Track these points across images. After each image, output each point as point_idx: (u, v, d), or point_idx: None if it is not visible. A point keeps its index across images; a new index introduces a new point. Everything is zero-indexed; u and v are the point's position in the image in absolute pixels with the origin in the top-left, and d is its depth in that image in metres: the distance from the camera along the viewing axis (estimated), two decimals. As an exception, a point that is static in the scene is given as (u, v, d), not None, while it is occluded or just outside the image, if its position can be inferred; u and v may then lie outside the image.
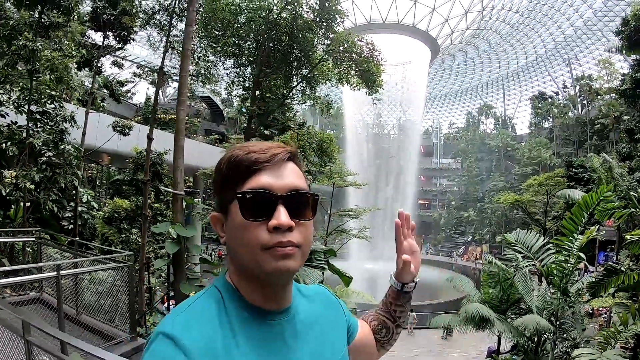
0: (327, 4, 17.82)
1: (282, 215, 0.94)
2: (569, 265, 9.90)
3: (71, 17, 12.69)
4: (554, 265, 10.14)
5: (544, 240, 11.53)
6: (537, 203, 36.45)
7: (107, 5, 18.59)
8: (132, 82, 30.90)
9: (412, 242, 1.33)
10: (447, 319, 15.69)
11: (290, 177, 1.00)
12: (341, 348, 1.18)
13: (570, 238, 9.72)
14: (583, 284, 10.79)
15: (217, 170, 1.03)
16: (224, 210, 1.01)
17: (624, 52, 27.62)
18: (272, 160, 0.98)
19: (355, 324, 1.33)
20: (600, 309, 21.63)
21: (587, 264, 17.29)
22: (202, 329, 0.91)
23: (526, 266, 12.00)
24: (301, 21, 18.57)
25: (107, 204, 23.34)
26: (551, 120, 59.30)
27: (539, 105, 60.45)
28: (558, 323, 10.87)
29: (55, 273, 6.50)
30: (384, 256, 51.09)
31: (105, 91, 28.60)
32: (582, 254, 9.91)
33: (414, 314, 26.04)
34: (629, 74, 29.30)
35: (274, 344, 1.00)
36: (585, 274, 19.63)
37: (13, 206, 12.97)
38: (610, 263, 12.46)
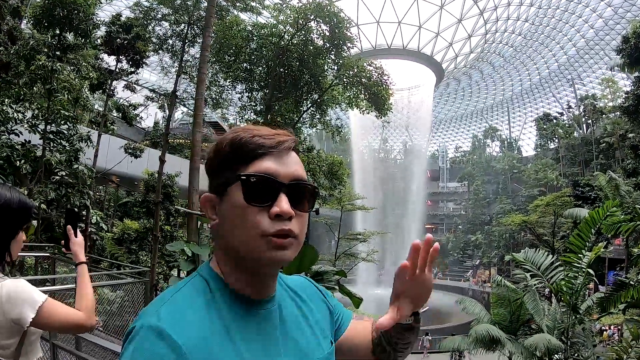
0: (336, 31, 18.26)
1: (284, 203, 0.92)
2: (578, 282, 9.91)
3: (88, 40, 13.12)
4: (563, 282, 10.14)
5: (552, 258, 11.54)
6: (545, 224, 36.24)
7: (121, 29, 19.12)
8: (144, 105, 31.37)
9: (427, 275, 1.05)
10: (457, 341, 15.55)
11: (295, 166, 0.98)
12: (327, 335, 1.15)
13: (579, 255, 9.75)
14: (593, 302, 10.76)
15: (217, 150, 0.99)
16: (219, 192, 0.97)
17: (626, 69, 27.87)
18: (279, 147, 0.96)
19: (346, 317, 1.28)
20: (610, 327, 21.38)
21: (597, 281, 17.18)
22: (191, 322, 0.87)
23: (535, 285, 11.98)
24: (312, 47, 19.01)
25: (116, 226, 23.56)
26: (557, 141, 59.17)
27: (544, 126, 60.41)
28: (569, 342, 10.80)
29: (74, 285, 6.56)
30: (390, 281, 50.64)
31: (116, 114, 29.13)
32: (591, 271, 9.93)
33: (429, 337, 25.64)
34: (631, 91, 29.50)
35: (266, 333, 0.98)
36: (596, 293, 19.41)
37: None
38: (620, 278, 12.42)
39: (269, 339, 0.98)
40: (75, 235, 2.31)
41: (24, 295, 1.85)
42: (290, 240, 0.93)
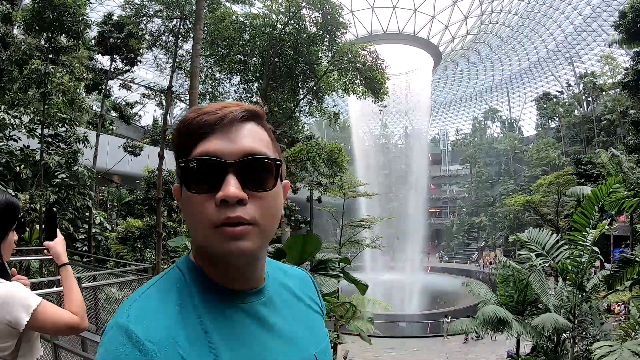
0: (329, 17, 18.09)
1: (230, 187, 0.79)
2: (583, 260, 9.88)
3: (80, 41, 13.02)
4: (568, 261, 10.13)
5: (557, 237, 11.51)
6: (549, 203, 36.21)
7: (113, 29, 19.01)
8: (141, 103, 31.35)
9: None
10: (464, 323, 15.61)
11: (246, 139, 0.84)
12: (323, 338, 1.05)
13: (583, 232, 9.72)
14: (599, 279, 10.74)
15: (172, 138, 0.91)
16: (180, 182, 0.88)
17: (624, 45, 27.57)
18: (223, 121, 0.83)
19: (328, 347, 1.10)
20: (618, 304, 21.40)
21: (602, 259, 17.15)
22: (160, 318, 0.80)
23: (540, 264, 11.97)
24: (305, 35, 18.86)
25: (119, 225, 23.61)
26: (557, 120, 58.95)
27: (544, 105, 60.16)
28: (576, 320, 10.80)
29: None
30: (396, 267, 50.91)
31: (114, 114, 29.06)
32: (596, 248, 9.90)
33: (448, 319, 25.67)
34: (630, 66, 29.24)
35: (248, 328, 0.88)
36: (601, 271, 19.43)
37: (28, 228, 13.19)
38: (625, 255, 12.39)
39: (251, 335, 0.88)
40: (56, 235, 2.23)
41: (18, 298, 1.84)
42: (244, 228, 0.80)
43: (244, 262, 0.87)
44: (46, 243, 2.22)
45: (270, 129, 0.94)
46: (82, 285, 6.59)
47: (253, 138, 0.85)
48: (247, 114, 0.86)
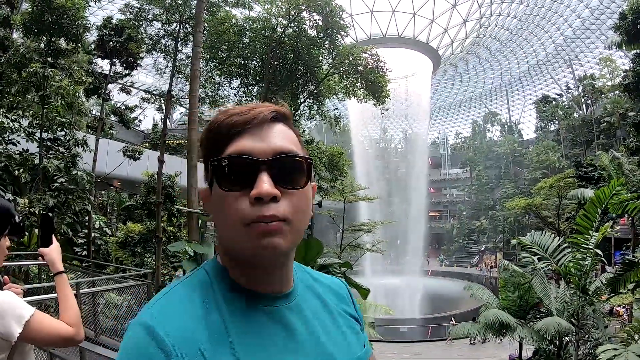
0: (329, 20, 18.06)
1: (264, 184, 0.80)
2: (586, 263, 9.83)
3: (79, 45, 13.00)
4: (571, 264, 10.08)
5: (559, 240, 11.46)
6: (549, 206, 36.14)
7: (112, 32, 18.98)
8: (140, 107, 31.35)
9: None
10: (467, 327, 15.51)
11: (276, 138, 0.86)
12: (357, 349, 1.00)
13: (586, 235, 9.68)
14: (602, 282, 10.67)
15: (201, 139, 0.91)
16: (209, 184, 0.88)
17: (624, 47, 27.51)
18: (253, 121, 0.85)
19: (369, 351, 1.07)
20: (621, 307, 21.31)
21: (604, 261, 17.10)
22: (182, 317, 0.80)
23: (543, 268, 11.92)
24: (305, 38, 18.82)
25: (119, 229, 23.54)
26: (557, 122, 59.09)
27: (544, 108, 60.30)
28: (579, 324, 10.73)
29: (74, 292, 6.55)
30: (397, 270, 50.84)
31: (114, 118, 29.03)
32: (598, 251, 9.86)
33: (453, 321, 25.59)
34: (630, 68, 29.18)
35: (273, 332, 0.86)
36: (603, 273, 19.39)
37: (27, 233, 13.13)
38: (628, 257, 12.33)
39: (274, 339, 0.86)
40: (51, 242, 2.16)
41: (9, 309, 1.76)
42: (277, 225, 0.80)
43: (274, 262, 0.86)
44: (41, 250, 2.15)
45: (294, 128, 0.94)
46: (81, 290, 6.54)
47: (283, 137, 0.87)
48: (276, 114, 0.88)
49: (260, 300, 0.88)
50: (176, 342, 0.76)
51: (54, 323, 1.89)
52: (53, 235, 2.20)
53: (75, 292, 6.67)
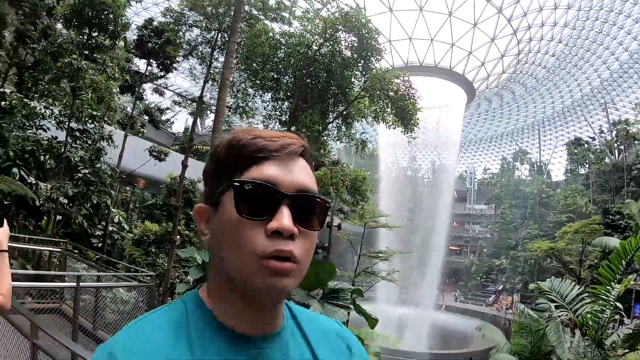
0: (364, 42, 18.06)
1: (285, 218, 0.75)
2: (605, 315, 9.44)
3: (117, 41, 13.30)
4: (589, 316, 9.70)
5: (579, 289, 11.09)
6: (572, 251, 35.12)
7: (152, 34, 19.42)
8: (172, 110, 31.93)
9: None
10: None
11: (302, 174, 0.81)
12: None
13: (607, 287, 9.31)
14: (619, 337, 10.21)
15: (213, 155, 0.85)
16: (213, 202, 0.82)
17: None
18: (283, 151, 0.80)
19: None
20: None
21: (623, 314, 16.46)
22: (148, 352, 0.74)
23: (560, 316, 11.51)
24: (339, 58, 18.83)
25: (137, 227, 23.75)
26: (587, 166, 57.93)
27: (575, 151, 59.27)
28: (592, 378, 10.24)
29: (75, 284, 6.56)
30: (410, 301, 49.92)
31: (146, 117, 29.58)
32: (619, 304, 9.47)
33: None
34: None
35: None
36: (621, 326, 18.61)
37: (45, 217, 13.34)
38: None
39: None
40: (2, 225, 2.41)
41: None
42: (290, 266, 0.75)
43: (275, 302, 0.82)
44: None
45: (312, 164, 0.90)
46: (82, 284, 6.55)
47: (307, 174, 0.83)
48: (303, 149, 0.84)
49: (242, 341, 0.81)
50: None
51: None
52: (5, 220, 2.47)
53: (76, 284, 6.67)
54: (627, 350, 10.62)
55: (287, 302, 0.93)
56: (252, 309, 0.81)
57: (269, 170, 0.78)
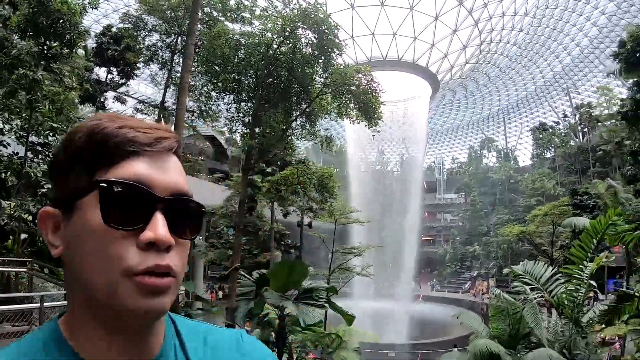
0: (325, 38, 17.92)
1: (160, 227, 0.62)
2: (580, 294, 9.62)
3: (74, 50, 12.87)
4: (564, 295, 9.89)
5: (552, 270, 11.27)
6: (543, 234, 35.95)
7: (111, 40, 18.93)
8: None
9: None
10: (454, 356, 15.14)
11: (175, 174, 0.68)
12: None
13: (580, 266, 9.49)
14: (595, 313, 10.41)
15: (67, 144, 0.68)
16: (66, 205, 0.66)
17: (622, 75, 27.55)
18: (157, 145, 0.67)
19: None
20: (613, 337, 20.89)
21: (597, 291, 16.85)
22: None
23: (535, 298, 11.67)
24: (300, 55, 18.65)
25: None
26: (553, 150, 59.52)
27: (540, 136, 60.82)
28: (571, 356, 10.41)
29: (39, 305, 6.27)
30: (387, 294, 50.27)
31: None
32: (593, 282, 9.65)
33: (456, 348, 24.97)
34: (628, 96, 29.24)
35: None
36: (596, 302, 19.06)
37: (10, 237, 12.91)
38: (622, 289, 12.11)
39: None
40: None
41: None
42: (169, 281, 0.63)
43: (150, 326, 0.68)
44: None
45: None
46: (46, 304, 6.28)
47: (181, 174, 0.70)
48: (177, 145, 0.71)
49: None
50: None
51: None
52: None
53: (39, 305, 6.37)
54: (603, 326, 10.86)
55: (171, 315, 0.77)
56: (124, 336, 0.66)
57: (140, 168, 0.64)
